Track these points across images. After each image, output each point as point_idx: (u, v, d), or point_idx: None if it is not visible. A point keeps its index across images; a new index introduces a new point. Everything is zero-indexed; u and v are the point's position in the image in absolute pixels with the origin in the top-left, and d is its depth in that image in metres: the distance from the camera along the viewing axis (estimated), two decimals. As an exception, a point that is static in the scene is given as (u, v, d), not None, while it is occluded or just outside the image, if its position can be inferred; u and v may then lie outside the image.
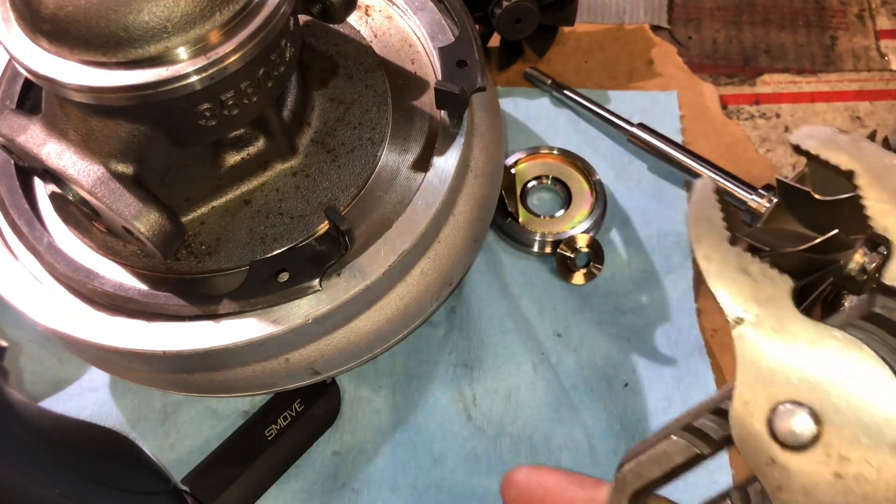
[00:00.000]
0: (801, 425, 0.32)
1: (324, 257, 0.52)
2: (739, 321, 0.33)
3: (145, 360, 0.54)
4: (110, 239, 0.57)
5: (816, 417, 0.32)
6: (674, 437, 0.38)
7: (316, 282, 0.51)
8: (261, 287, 0.52)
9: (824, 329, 0.33)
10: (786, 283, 0.34)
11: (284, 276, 0.52)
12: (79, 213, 0.57)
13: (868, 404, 0.32)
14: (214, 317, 0.52)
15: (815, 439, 0.32)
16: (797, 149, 0.39)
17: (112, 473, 0.58)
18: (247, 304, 0.52)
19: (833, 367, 0.33)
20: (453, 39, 0.61)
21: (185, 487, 0.60)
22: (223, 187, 0.58)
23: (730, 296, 0.34)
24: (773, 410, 0.33)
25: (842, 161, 0.38)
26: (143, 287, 0.55)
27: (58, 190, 0.54)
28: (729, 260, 0.34)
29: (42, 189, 0.60)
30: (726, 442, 0.36)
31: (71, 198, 0.53)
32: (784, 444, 0.32)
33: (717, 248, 0.35)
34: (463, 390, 0.69)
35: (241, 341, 0.51)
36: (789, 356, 0.33)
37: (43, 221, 0.59)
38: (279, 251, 0.55)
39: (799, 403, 0.32)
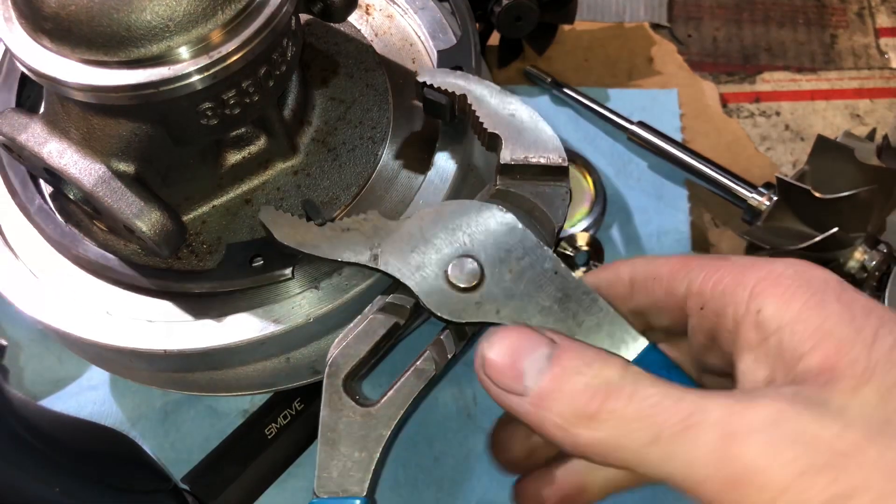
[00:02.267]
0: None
1: None
2: None
3: (146, 359, 0.54)
4: (111, 238, 0.57)
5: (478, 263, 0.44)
6: (371, 316, 0.46)
7: (288, 270, 0.51)
8: (236, 270, 0.52)
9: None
10: None
11: (259, 262, 0.52)
12: (80, 212, 0.57)
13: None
14: (211, 316, 0.52)
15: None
16: (424, 84, 0.52)
17: (112, 472, 0.57)
18: (219, 284, 0.52)
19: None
20: (455, 39, 0.61)
21: (185, 486, 0.60)
22: (224, 186, 0.58)
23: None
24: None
25: (456, 88, 0.51)
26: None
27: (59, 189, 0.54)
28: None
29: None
30: (416, 309, 0.46)
31: (72, 197, 0.52)
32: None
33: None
34: (463, 389, 0.69)
35: (242, 340, 0.51)
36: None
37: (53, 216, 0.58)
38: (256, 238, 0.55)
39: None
